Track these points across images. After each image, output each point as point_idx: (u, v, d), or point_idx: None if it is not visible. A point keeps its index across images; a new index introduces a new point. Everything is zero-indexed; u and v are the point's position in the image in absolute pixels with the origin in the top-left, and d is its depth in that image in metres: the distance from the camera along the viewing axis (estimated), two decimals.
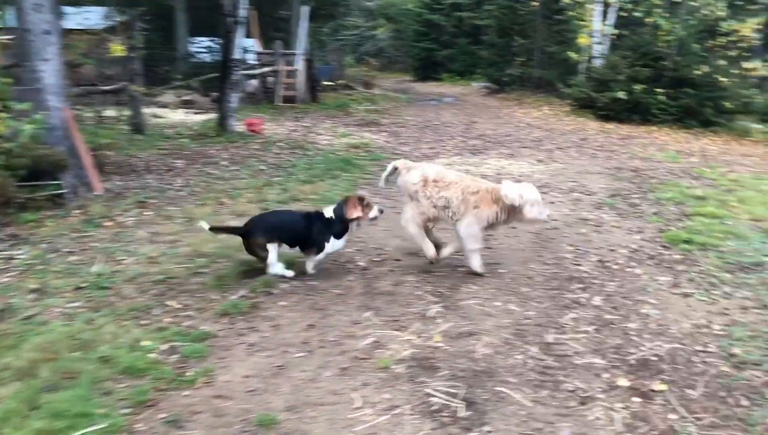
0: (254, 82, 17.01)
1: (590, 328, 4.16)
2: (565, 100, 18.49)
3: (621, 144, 12.59)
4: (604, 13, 18.27)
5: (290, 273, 4.81)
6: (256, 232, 4.73)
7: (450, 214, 5.01)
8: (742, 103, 15.29)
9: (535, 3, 21.94)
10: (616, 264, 5.41)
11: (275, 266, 4.75)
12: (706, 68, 14.88)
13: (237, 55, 11.92)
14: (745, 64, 16.19)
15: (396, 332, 4.01)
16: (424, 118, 15.69)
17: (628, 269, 5.28)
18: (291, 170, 8.75)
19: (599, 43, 18.53)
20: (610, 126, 15.13)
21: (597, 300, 4.62)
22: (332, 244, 4.86)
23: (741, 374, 3.60)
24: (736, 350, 3.86)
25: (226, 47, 11.84)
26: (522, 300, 4.59)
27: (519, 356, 3.75)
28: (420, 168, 5.19)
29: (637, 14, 17.21)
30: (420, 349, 3.80)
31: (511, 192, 4.81)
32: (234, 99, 11.88)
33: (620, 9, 17.96)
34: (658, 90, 15.25)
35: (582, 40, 19.57)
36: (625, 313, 4.41)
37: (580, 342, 3.95)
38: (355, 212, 4.78)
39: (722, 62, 15.48)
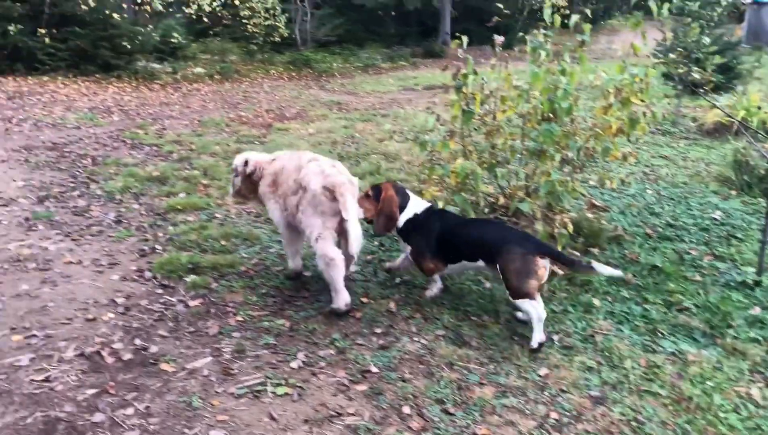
0: None
1: None
2: None
3: (15, 106, 9.52)
4: None
5: None
6: None
7: None
8: (139, 42, 13.92)
9: None
10: (115, 355, 3.11)
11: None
12: (92, 3, 12.73)
13: None
14: None
15: None
16: None
17: (139, 366, 3.14)
18: None
19: None
20: None
21: None
22: None
23: None
24: None
25: None
26: None
27: None
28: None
29: None
30: None
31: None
32: None
33: None
34: (42, 31, 12.37)
35: None
36: None
37: None
38: None
39: None
